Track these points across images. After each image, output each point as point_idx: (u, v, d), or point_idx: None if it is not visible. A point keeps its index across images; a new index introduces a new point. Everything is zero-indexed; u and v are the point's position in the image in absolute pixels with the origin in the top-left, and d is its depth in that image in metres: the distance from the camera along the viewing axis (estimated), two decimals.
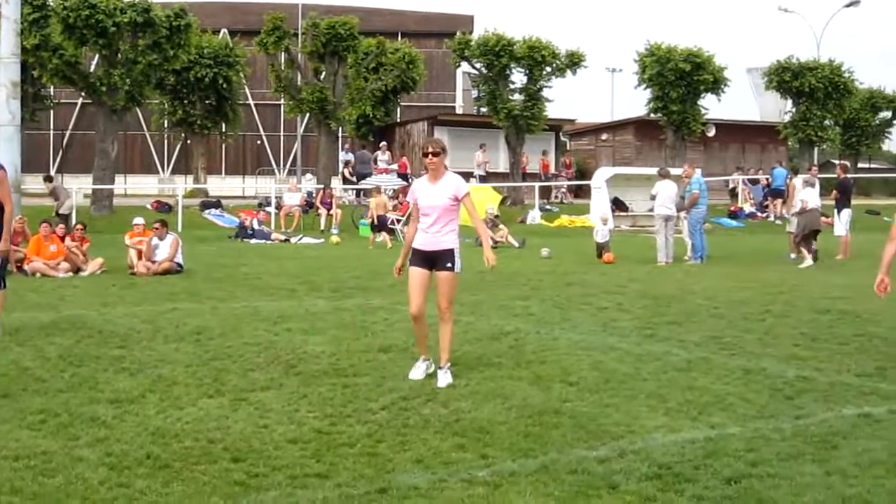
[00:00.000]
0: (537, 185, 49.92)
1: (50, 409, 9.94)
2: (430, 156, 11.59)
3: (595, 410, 10.11)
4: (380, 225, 34.29)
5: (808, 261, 27.30)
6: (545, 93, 51.97)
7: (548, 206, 49.34)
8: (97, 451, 8.55)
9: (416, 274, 11.68)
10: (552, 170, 58.66)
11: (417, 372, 11.74)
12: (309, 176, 52.94)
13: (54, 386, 11.09)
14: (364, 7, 72.67)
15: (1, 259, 14.43)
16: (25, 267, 23.63)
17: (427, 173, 11.83)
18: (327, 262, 26.63)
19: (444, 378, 11.36)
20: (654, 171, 32.76)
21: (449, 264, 11.57)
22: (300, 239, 35.27)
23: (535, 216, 44.82)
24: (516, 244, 33.18)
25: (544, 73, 51.43)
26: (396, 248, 26.93)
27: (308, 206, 41.85)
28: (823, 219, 33.24)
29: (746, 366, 12.50)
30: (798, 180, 30.42)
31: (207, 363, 12.48)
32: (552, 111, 54.19)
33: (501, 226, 34.71)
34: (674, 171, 33.42)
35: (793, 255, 28.48)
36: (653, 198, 28.55)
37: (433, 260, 11.64)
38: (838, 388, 11.22)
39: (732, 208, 49.98)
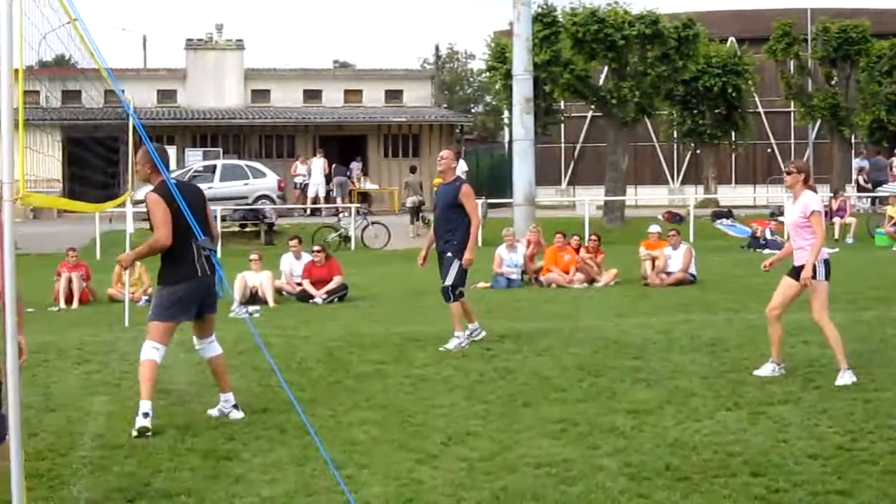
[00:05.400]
0: None
1: (569, 419, 10.15)
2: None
3: None
4: None
5: None
6: None
7: None
8: (616, 461, 8.66)
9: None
10: None
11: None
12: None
13: (573, 395, 11.33)
14: (876, 9, 70.47)
15: (464, 270, 14.86)
16: (541, 278, 24.32)
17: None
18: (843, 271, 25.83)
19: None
20: None
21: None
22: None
23: None
24: None
25: None
26: None
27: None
28: None
29: None
30: None
31: (723, 375, 12.39)
32: None
33: None
34: None
35: None
36: None
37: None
38: None
39: None
